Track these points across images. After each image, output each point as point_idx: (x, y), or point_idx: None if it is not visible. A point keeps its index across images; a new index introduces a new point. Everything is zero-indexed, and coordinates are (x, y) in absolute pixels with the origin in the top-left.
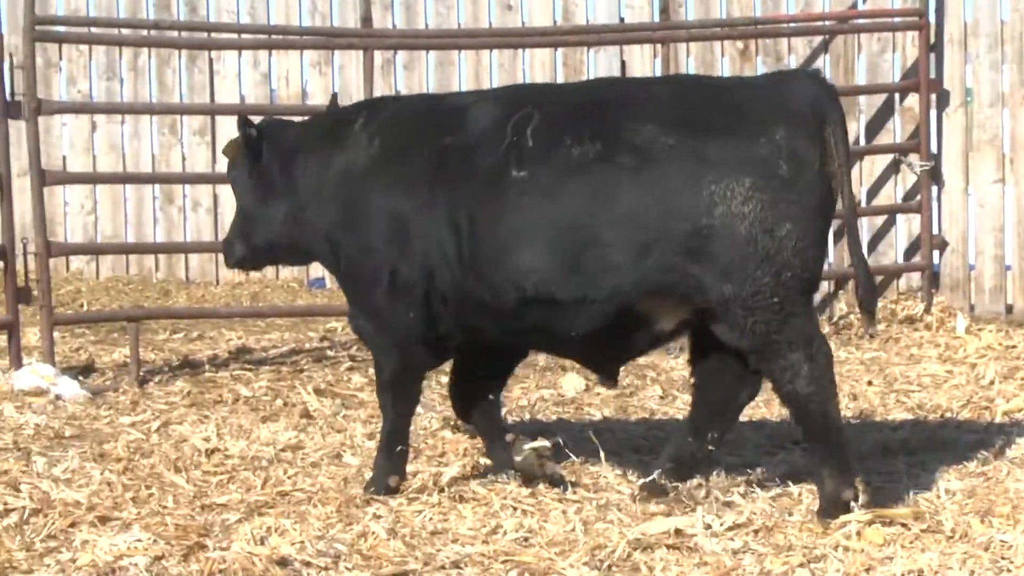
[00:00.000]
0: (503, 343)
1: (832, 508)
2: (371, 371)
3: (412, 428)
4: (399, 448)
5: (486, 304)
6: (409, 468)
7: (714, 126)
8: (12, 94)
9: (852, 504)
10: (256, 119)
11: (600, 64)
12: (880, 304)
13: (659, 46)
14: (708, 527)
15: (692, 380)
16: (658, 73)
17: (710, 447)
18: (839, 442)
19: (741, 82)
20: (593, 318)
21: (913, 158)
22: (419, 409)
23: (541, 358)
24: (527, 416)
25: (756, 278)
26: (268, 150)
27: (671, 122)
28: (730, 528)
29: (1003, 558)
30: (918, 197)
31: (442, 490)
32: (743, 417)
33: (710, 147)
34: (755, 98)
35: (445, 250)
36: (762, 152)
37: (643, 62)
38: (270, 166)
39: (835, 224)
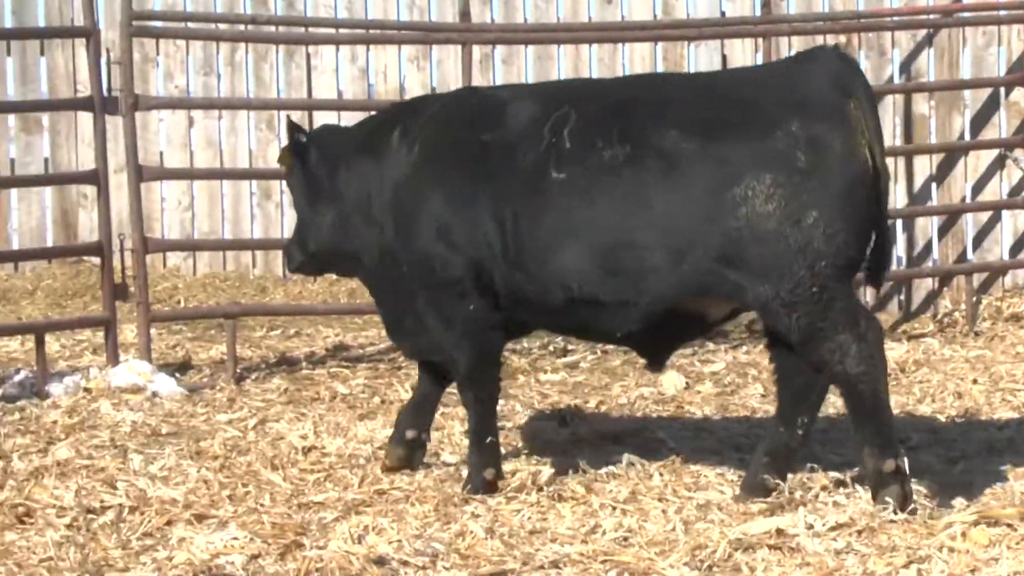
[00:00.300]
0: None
1: (876, 483)
2: None
3: (512, 426)
4: (489, 440)
5: (532, 300)
6: (507, 467)
7: (730, 125)
8: (109, 90)
9: (897, 475)
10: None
11: (700, 59)
12: (985, 302)
13: (760, 40)
14: (810, 527)
15: (772, 366)
16: None
17: (801, 434)
18: (886, 421)
19: (758, 72)
20: (637, 319)
21: (1019, 153)
22: (517, 407)
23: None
24: (627, 414)
25: (792, 273)
26: (316, 156)
27: (690, 124)
28: (833, 528)
29: None
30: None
31: (541, 489)
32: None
33: (727, 148)
34: (770, 88)
35: (492, 246)
36: (779, 146)
37: (744, 56)
38: (318, 172)
39: (939, 220)
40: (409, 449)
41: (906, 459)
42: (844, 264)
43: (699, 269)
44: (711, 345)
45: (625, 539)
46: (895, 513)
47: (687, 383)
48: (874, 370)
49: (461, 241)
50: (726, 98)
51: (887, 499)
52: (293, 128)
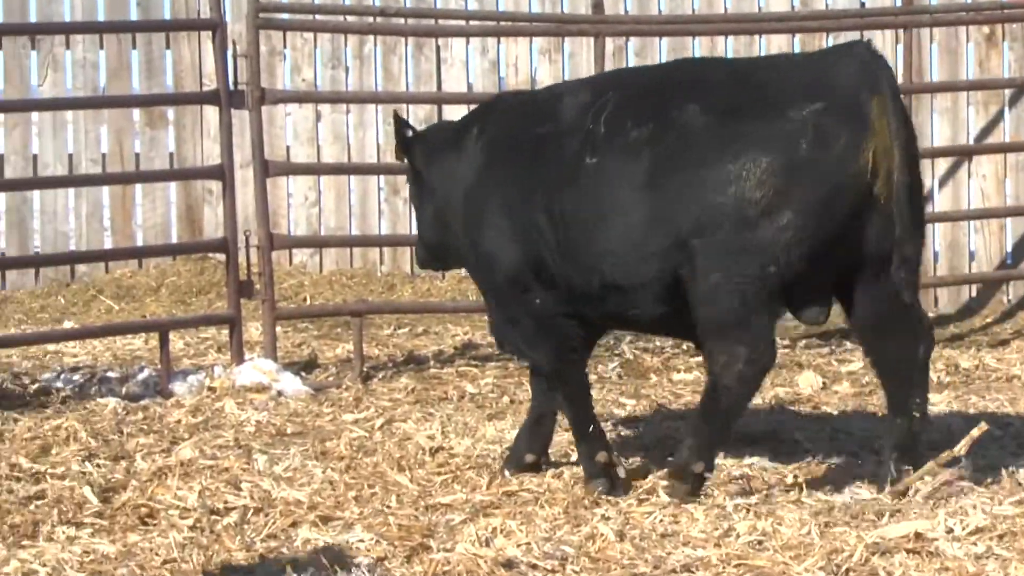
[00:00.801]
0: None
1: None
2: (599, 368)
3: (644, 427)
4: (591, 428)
5: (579, 289)
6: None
7: (742, 109)
8: (235, 83)
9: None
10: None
11: None
12: None
13: (901, 32)
14: (950, 531)
15: (867, 359)
16: (900, 60)
17: (919, 416)
18: (718, 438)
19: (783, 60)
20: (655, 301)
21: None
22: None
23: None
24: (762, 414)
25: (739, 264)
26: (420, 151)
27: (711, 107)
28: (972, 532)
29: None
30: None
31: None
32: (991, 413)
33: (737, 131)
34: (787, 78)
35: (545, 237)
36: (787, 129)
37: (884, 48)
38: (421, 167)
39: None
40: (527, 471)
41: (710, 475)
42: (796, 268)
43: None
44: (848, 344)
45: (759, 543)
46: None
47: (824, 383)
48: (741, 393)
49: (518, 235)
50: (747, 83)
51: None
52: (400, 123)
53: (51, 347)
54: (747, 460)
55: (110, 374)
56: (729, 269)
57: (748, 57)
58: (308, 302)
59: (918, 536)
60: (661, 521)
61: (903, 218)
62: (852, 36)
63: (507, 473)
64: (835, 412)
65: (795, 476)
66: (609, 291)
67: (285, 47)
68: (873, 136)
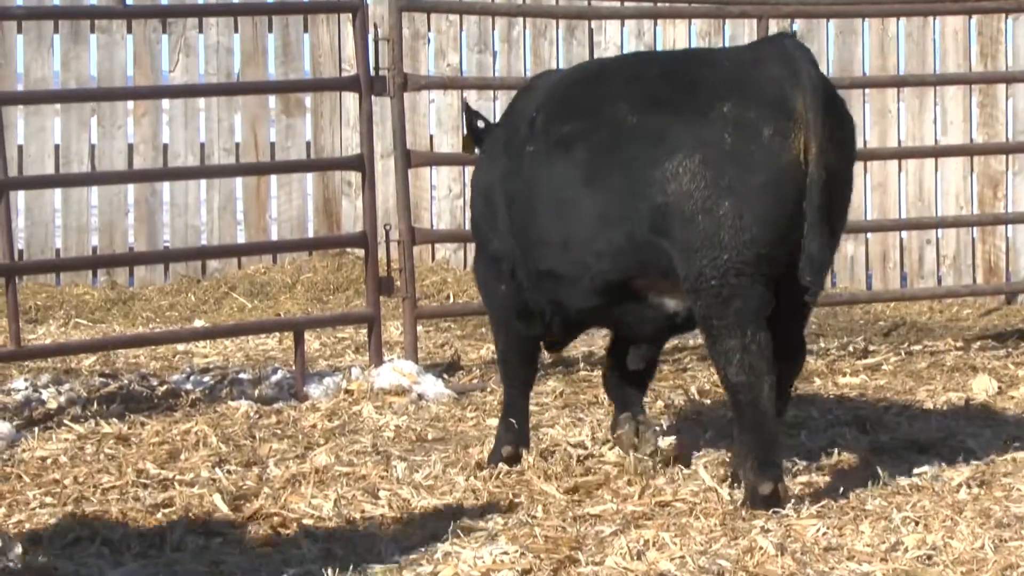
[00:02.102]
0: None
1: (750, 501)
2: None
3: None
4: (513, 421)
5: (526, 279)
6: (803, 478)
7: (673, 103)
8: (376, 69)
9: (771, 499)
10: None
11: (1019, 32)
12: None
13: None
14: None
15: None
16: None
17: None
18: (767, 436)
19: (713, 54)
20: (590, 294)
21: None
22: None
23: (950, 358)
24: (932, 420)
25: (696, 260)
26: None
27: (641, 101)
28: None
29: None
30: None
31: (836, 502)
32: None
33: (667, 125)
34: (721, 71)
35: (504, 226)
36: (710, 127)
37: None
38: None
39: None
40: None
41: (786, 482)
42: (750, 261)
43: (636, 244)
44: None
45: (928, 557)
46: None
47: (999, 387)
48: (756, 382)
49: (497, 225)
50: (679, 77)
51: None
52: (471, 114)
53: (180, 347)
54: (916, 469)
55: (242, 375)
56: (683, 267)
57: (683, 50)
58: (451, 300)
59: None
60: (824, 534)
61: (811, 213)
62: None
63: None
64: (1011, 419)
65: (968, 486)
66: (544, 280)
67: (429, 30)
68: (799, 129)
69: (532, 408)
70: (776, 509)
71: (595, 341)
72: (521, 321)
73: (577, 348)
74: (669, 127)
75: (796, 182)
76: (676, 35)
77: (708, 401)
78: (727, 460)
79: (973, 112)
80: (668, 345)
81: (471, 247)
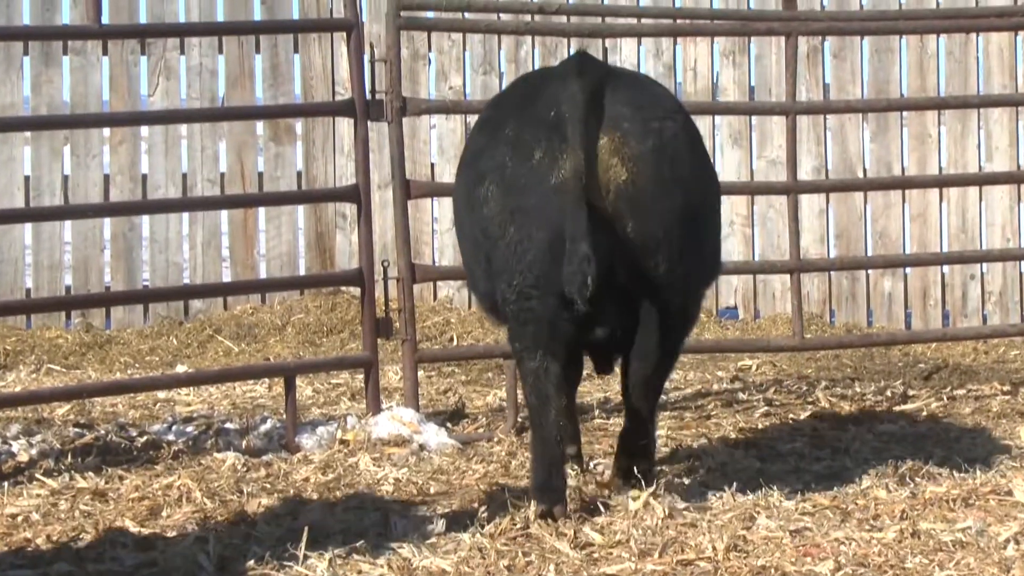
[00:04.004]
0: None
1: None
2: (792, 417)
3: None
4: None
5: None
6: (837, 534)
7: (490, 124)
8: (373, 92)
9: None
10: None
11: None
12: None
13: None
14: None
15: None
16: None
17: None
18: (549, 457)
19: (536, 72)
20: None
21: None
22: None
23: (996, 403)
24: (977, 471)
25: (499, 285)
26: None
27: (483, 123)
28: None
29: None
30: None
31: (874, 560)
32: None
33: (483, 149)
34: (522, 90)
35: None
36: (499, 150)
37: None
38: None
39: None
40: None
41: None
42: (538, 284)
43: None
44: None
45: None
46: None
47: None
48: (542, 407)
49: None
50: (501, 97)
51: None
52: None
53: (161, 395)
54: (960, 524)
55: (228, 425)
56: (500, 287)
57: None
58: (455, 343)
59: None
60: None
61: (568, 232)
62: None
63: None
64: None
65: (1016, 542)
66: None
67: (430, 50)
68: (572, 149)
69: None
70: None
71: (612, 386)
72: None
73: (592, 394)
74: (483, 151)
75: (567, 203)
76: (698, 54)
77: (737, 450)
78: (754, 513)
79: (1020, 136)
80: (691, 390)
81: None
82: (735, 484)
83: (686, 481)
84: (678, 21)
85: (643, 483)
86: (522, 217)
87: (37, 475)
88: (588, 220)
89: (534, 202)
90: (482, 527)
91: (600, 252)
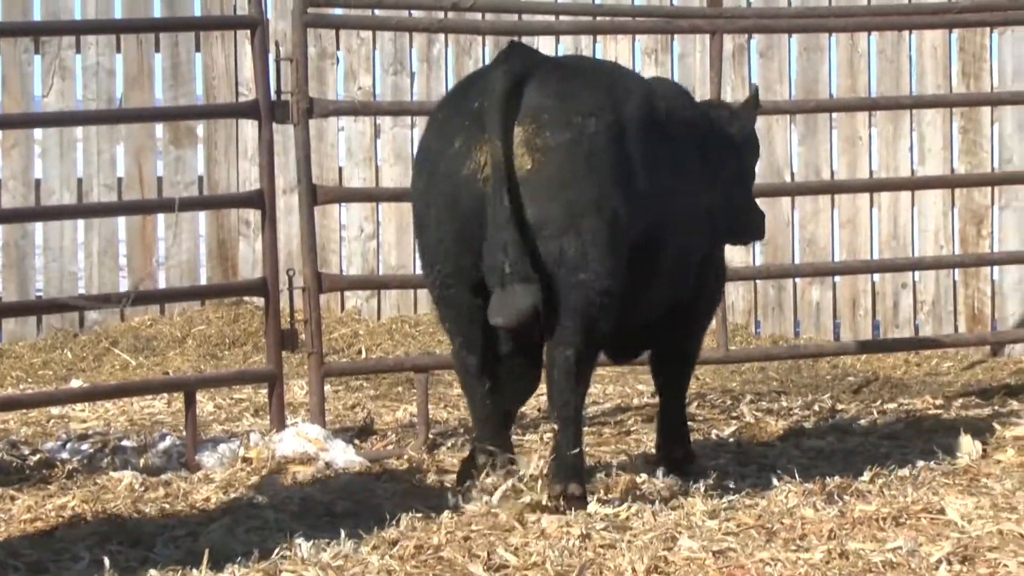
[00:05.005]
0: None
1: None
2: (716, 433)
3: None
4: None
5: None
6: (762, 555)
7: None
8: (278, 92)
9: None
10: None
11: (1006, 48)
12: None
13: None
14: None
15: None
16: None
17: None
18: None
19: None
20: None
21: None
22: (773, 479)
23: (928, 418)
24: (908, 488)
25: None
26: None
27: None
28: None
29: None
30: None
31: None
32: None
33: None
34: (464, 80)
35: None
36: (432, 140)
37: None
38: None
39: None
40: None
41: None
42: (452, 273)
43: None
44: (1014, 404)
45: None
46: None
47: (984, 450)
48: (465, 390)
49: None
50: (452, 88)
51: None
52: None
53: (55, 410)
54: (891, 544)
55: (126, 443)
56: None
57: None
58: (363, 355)
59: None
60: None
61: (488, 222)
62: (1020, 31)
63: None
64: (997, 485)
65: (948, 563)
66: None
67: (338, 49)
68: (489, 138)
69: (453, 477)
70: None
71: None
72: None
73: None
74: (422, 140)
75: (474, 195)
76: (618, 53)
77: (658, 467)
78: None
79: (954, 139)
80: (610, 405)
81: (384, 295)
82: (656, 502)
83: (605, 499)
84: (598, 19)
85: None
86: (440, 205)
87: None
88: (506, 210)
89: (450, 190)
90: (391, 548)
91: (517, 241)
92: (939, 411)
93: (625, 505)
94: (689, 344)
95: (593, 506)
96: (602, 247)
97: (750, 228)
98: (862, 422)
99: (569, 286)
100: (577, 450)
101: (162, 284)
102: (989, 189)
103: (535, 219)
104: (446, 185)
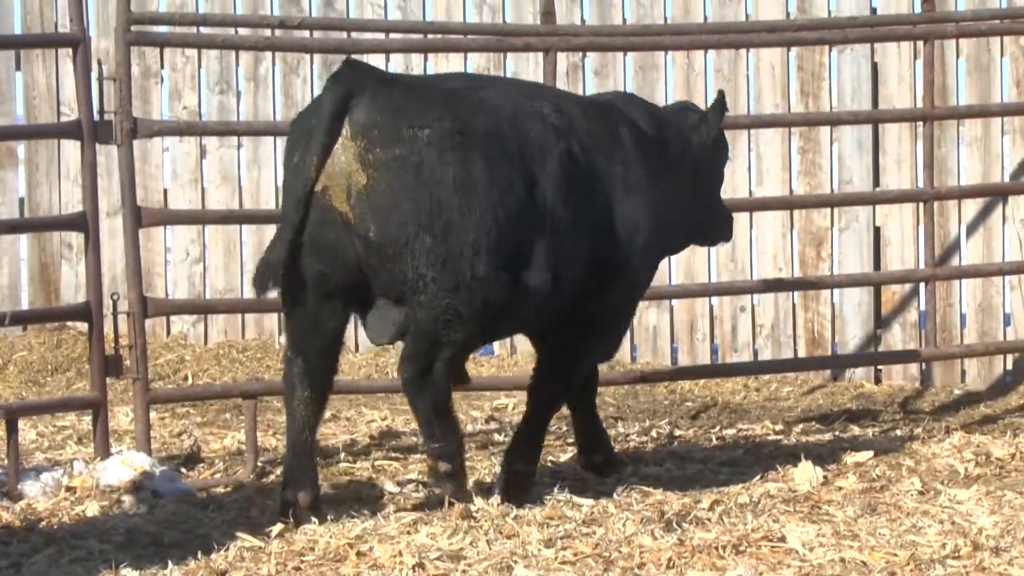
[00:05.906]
0: None
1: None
2: (551, 460)
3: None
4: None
5: None
6: None
7: None
8: (101, 112)
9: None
10: None
11: (844, 67)
12: None
13: (921, 44)
14: None
15: None
16: (919, 77)
17: None
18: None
19: None
20: None
21: None
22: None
23: (768, 444)
24: (748, 516)
25: None
26: None
27: None
28: None
29: None
30: None
31: None
32: None
33: None
34: None
35: None
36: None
37: (900, 63)
38: None
39: None
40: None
41: None
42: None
43: None
44: (856, 429)
45: None
46: None
47: (825, 476)
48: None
49: None
50: None
51: None
52: None
53: None
54: (731, 573)
55: None
56: None
57: None
58: (190, 382)
59: None
60: None
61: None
62: (861, 49)
63: None
64: (838, 513)
65: None
66: None
67: (162, 67)
68: (311, 154)
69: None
70: None
71: (357, 427)
72: None
73: (337, 436)
74: None
75: (317, 207)
76: (451, 70)
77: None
78: (511, 562)
79: (793, 159)
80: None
81: (212, 319)
82: (491, 531)
83: (438, 528)
84: (429, 36)
85: None
86: (281, 218)
87: None
88: (297, 226)
89: (287, 204)
90: None
91: (333, 258)
92: (779, 437)
93: (459, 535)
94: (579, 347)
95: (423, 536)
96: (438, 267)
97: (716, 230)
98: (701, 448)
99: (414, 305)
100: (445, 441)
101: None
102: (829, 211)
103: (377, 238)
104: (286, 198)
